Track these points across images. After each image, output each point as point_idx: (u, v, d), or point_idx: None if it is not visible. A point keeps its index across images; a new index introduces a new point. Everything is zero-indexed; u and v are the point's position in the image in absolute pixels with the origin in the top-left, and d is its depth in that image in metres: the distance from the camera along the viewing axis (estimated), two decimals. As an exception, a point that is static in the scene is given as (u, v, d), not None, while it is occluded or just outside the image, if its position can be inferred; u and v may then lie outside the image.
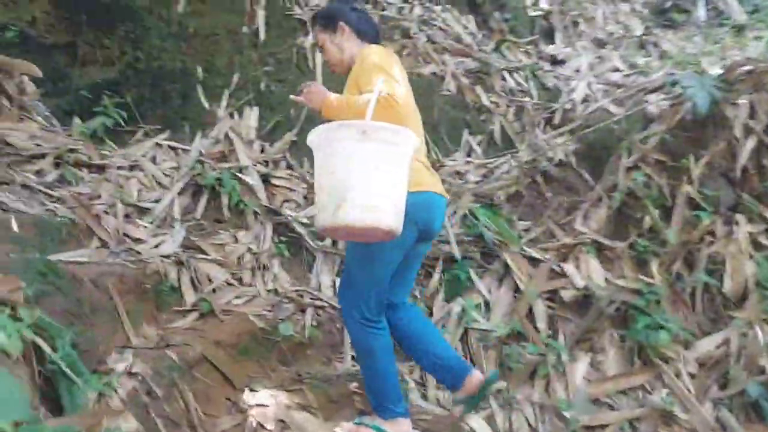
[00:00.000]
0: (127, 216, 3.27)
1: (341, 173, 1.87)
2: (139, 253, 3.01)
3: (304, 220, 3.59)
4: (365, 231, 1.89)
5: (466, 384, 2.43)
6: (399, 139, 1.92)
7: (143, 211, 3.37)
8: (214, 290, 3.07)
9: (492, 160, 4.11)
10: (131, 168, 3.60)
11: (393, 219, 1.90)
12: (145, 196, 3.47)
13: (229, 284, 3.17)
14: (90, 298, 2.34)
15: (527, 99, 4.41)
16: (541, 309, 3.23)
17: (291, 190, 3.80)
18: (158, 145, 3.85)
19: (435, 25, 5.17)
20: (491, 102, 4.43)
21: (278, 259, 3.45)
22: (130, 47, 4.16)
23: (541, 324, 3.18)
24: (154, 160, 3.73)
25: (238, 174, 3.64)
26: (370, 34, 2.43)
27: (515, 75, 4.71)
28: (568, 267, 3.33)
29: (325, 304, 3.23)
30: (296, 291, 3.29)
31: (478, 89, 4.50)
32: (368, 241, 2.05)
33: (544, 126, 4.24)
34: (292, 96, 2.42)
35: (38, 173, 3.30)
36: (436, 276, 3.42)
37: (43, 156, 3.36)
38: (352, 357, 3.02)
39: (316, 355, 3.00)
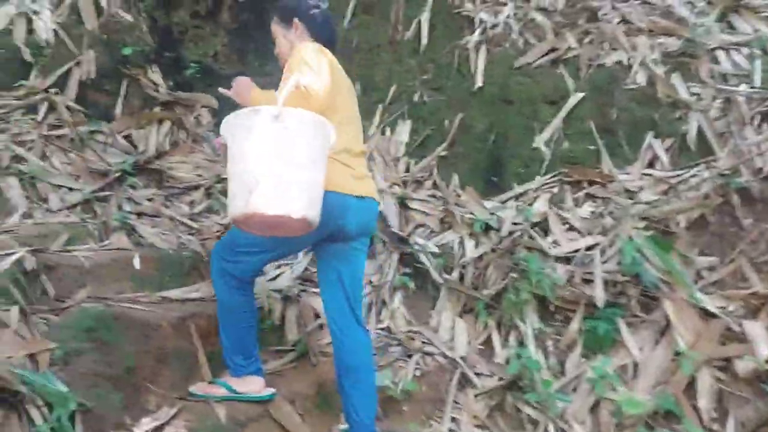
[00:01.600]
0: (256, 245, 3.37)
1: (252, 160, 1.83)
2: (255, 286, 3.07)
3: (434, 249, 3.28)
4: (277, 220, 1.83)
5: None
6: (312, 127, 1.88)
7: (274, 240, 3.43)
8: (321, 327, 2.98)
9: (679, 172, 3.22)
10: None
11: (306, 208, 1.84)
12: (280, 224, 3.54)
13: (339, 321, 3.05)
14: (162, 344, 2.43)
15: (743, 87, 3.34)
16: (706, 382, 2.44)
17: (427, 214, 3.51)
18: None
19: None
20: (691, 94, 3.47)
21: (401, 292, 3.22)
22: (291, 71, 4.28)
23: (704, 402, 2.40)
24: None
25: (369, 198, 3.48)
26: (323, 36, 2.35)
27: (735, 54, 3.61)
28: (753, 327, 2.44)
29: (436, 350, 2.91)
30: (409, 332, 3.02)
31: (675, 78, 3.56)
32: (285, 234, 1.98)
33: (758, 124, 3.17)
34: (220, 89, 2.31)
35: (191, 204, 3.60)
36: (575, 325, 2.82)
37: (196, 187, 3.65)
38: (453, 419, 2.66)
39: (412, 411, 2.71)
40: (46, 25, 4.23)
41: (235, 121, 1.89)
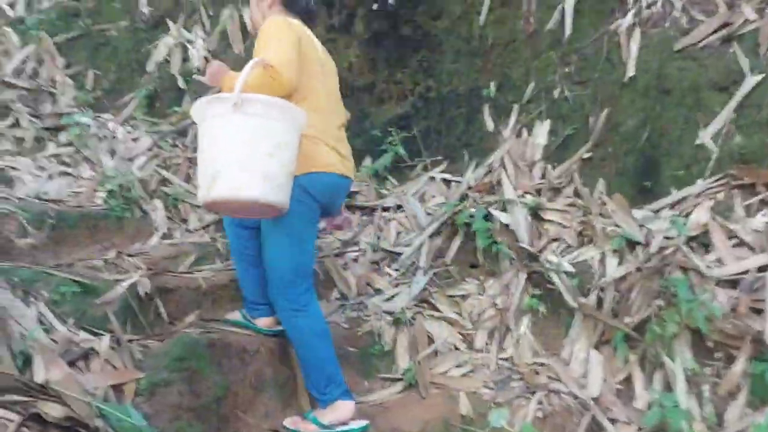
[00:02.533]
0: (376, 263, 3.23)
1: (215, 147, 1.88)
2: (366, 307, 2.94)
3: (568, 268, 2.86)
4: (243, 205, 1.91)
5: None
6: (275, 112, 1.89)
7: (395, 257, 3.27)
8: (436, 353, 2.75)
9: None
10: (397, 208, 3.54)
11: (269, 192, 1.88)
12: (403, 239, 3.37)
13: (456, 348, 2.79)
14: (260, 370, 2.38)
15: None
16: None
17: (563, 226, 3.08)
18: (432, 179, 3.67)
19: None
20: None
21: (528, 317, 2.86)
22: (422, 78, 4.08)
23: None
24: (423, 197, 3.57)
25: (495, 209, 3.15)
26: (296, 9, 2.30)
27: None
28: None
29: (564, 388, 2.52)
30: (534, 364, 2.67)
31: None
32: (256, 216, 2.11)
33: None
34: (195, 75, 2.33)
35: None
36: (738, 366, 2.25)
37: (321, 203, 3.61)
38: (577, 471, 2.27)
39: (529, 459, 2.36)
40: (198, 53, 4.54)
41: (200, 107, 1.92)
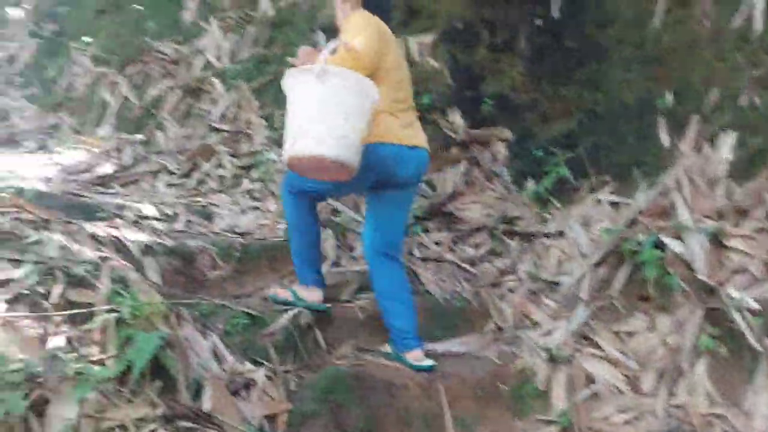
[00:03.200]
0: (534, 293, 3.13)
1: (298, 111, 2.24)
2: (522, 342, 2.86)
3: (753, 305, 2.51)
4: (317, 163, 2.22)
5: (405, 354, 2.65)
6: (350, 83, 2.23)
7: (554, 288, 3.13)
8: (596, 395, 2.59)
9: None
10: (559, 234, 3.38)
11: (340, 152, 2.18)
12: (564, 268, 3.21)
13: (618, 391, 2.59)
14: (407, 405, 2.44)
15: None
16: None
17: (749, 256, 2.70)
18: (598, 201, 3.44)
19: None
20: None
21: (705, 360, 2.55)
22: (589, 91, 3.86)
23: None
24: (587, 221, 3.37)
25: (668, 236, 2.86)
26: (373, 5, 2.58)
27: None
28: None
29: (744, 447, 2.21)
30: (710, 415, 2.37)
31: None
32: (332, 178, 2.40)
33: None
34: (289, 58, 2.58)
35: (476, 246, 3.56)
36: None
37: (480, 229, 3.59)
38: None
39: None
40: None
41: (289, 77, 2.30)
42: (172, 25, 5.71)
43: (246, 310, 2.65)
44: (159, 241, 3.04)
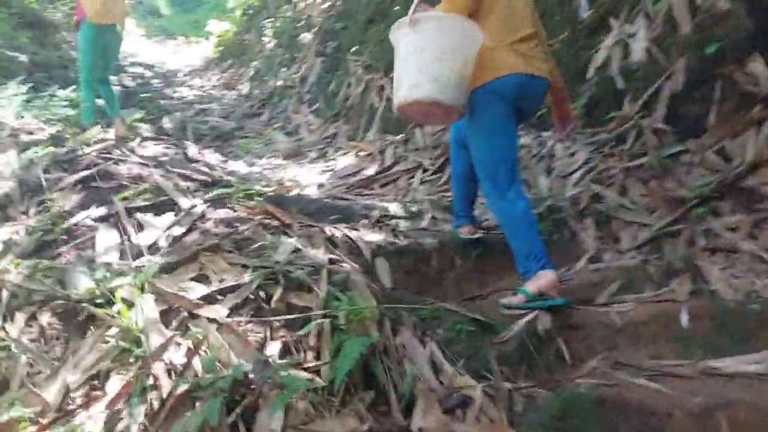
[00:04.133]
0: None
1: (400, 61, 2.36)
2: None
3: None
4: (420, 106, 2.34)
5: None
6: (443, 24, 2.34)
7: None
8: None
9: None
10: None
11: (437, 92, 2.28)
12: None
13: None
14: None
15: None
16: None
17: None
18: None
19: None
20: None
21: None
22: None
23: None
24: None
25: None
26: None
27: None
28: None
29: None
30: None
31: None
32: (444, 121, 2.82)
33: None
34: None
35: (788, 231, 2.66)
36: None
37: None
38: None
39: None
40: (639, 45, 4.07)
41: (393, 33, 2.42)
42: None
43: (471, 314, 2.37)
44: (393, 240, 2.95)
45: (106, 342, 2.11)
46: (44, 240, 2.44)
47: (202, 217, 2.68)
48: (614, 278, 2.74)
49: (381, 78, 5.81)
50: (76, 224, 2.51)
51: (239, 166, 5.23)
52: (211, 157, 5.15)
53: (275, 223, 2.82)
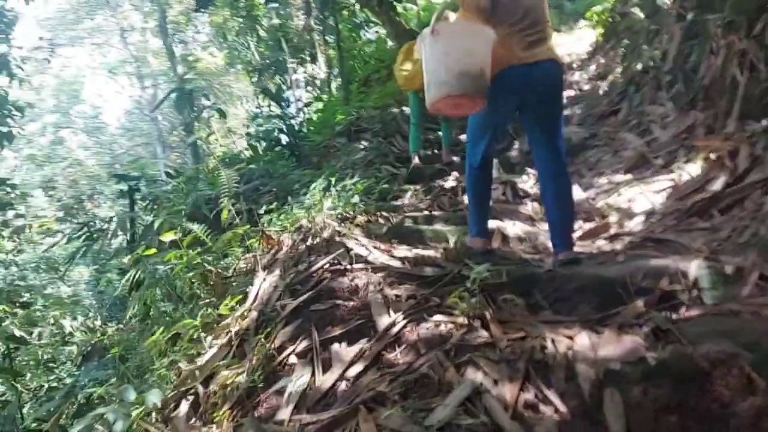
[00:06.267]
0: None
1: (427, 66, 2.77)
2: None
3: None
4: (446, 100, 2.73)
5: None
6: (459, 30, 2.85)
7: None
8: None
9: None
10: None
11: (461, 87, 2.66)
12: None
13: None
14: None
15: None
16: None
17: None
18: None
19: None
20: None
21: None
22: None
23: None
24: None
25: None
26: None
27: None
28: None
29: None
30: None
31: None
32: (463, 112, 3.00)
33: None
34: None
35: None
36: None
37: None
38: None
39: None
40: None
41: (419, 43, 2.85)
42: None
43: None
44: (648, 348, 2.03)
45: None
46: (250, 386, 2.30)
47: (397, 340, 2.32)
48: None
49: (741, 39, 4.29)
50: (280, 364, 2.38)
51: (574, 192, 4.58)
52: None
53: (483, 335, 2.23)
